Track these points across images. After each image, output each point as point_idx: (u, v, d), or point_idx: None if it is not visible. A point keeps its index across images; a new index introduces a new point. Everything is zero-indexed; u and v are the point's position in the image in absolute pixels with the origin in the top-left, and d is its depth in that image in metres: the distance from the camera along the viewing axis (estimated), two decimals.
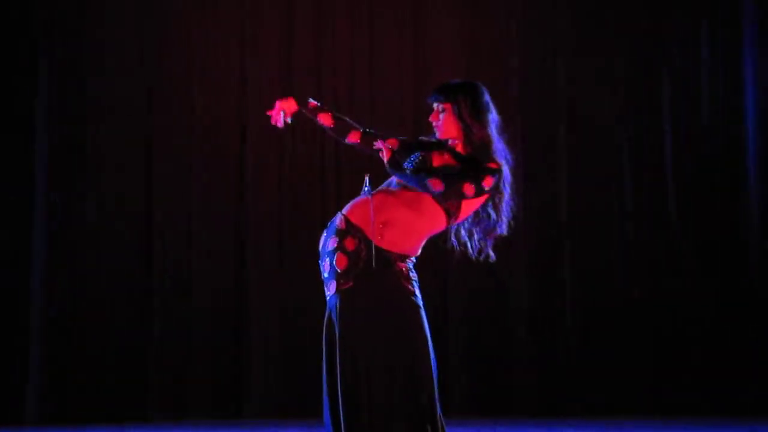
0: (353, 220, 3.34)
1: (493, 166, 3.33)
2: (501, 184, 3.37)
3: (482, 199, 3.37)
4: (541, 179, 5.61)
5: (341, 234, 3.32)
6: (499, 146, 3.37)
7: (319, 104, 3.50)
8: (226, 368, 5.49)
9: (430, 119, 3.44)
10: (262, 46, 5.58)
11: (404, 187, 3.36)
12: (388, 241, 3.32)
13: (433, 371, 3.25)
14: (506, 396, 5.61)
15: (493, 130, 3.38)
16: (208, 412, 5.43)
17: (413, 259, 3.37)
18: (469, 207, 3.38)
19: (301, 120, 3.51)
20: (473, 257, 3.47)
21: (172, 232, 5.48)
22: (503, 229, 3.44)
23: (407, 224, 3.35)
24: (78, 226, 5.41)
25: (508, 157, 3.40)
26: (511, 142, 3.41)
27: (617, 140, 5.69)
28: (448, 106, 3.39)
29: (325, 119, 3.48)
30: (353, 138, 3.47)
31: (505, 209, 3.43)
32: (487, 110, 3.38)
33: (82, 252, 5.39)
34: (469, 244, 3.47)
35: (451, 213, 3.35)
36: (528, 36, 5.71)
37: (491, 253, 3.46)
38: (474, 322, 5.61)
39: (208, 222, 5.51)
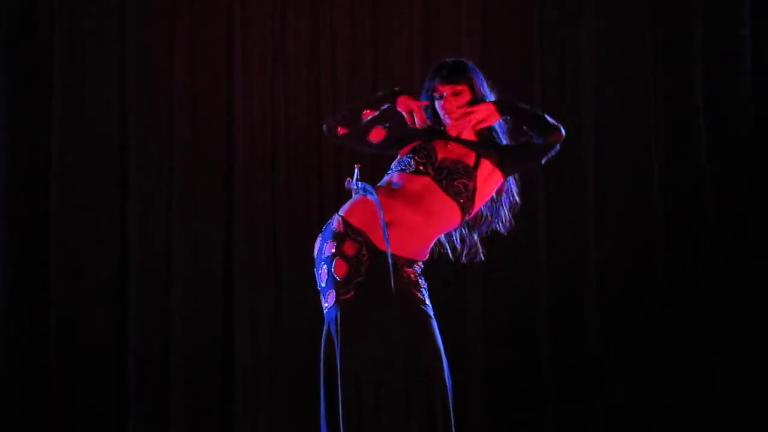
0: (353, 221, 3.06)
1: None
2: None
3: (497, 185, 3.20)
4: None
5: (339, 237, 3.04)
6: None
7: None
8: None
9: (443, 106, 3.18)
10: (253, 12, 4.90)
11: (408, 182, 3.11)
12: (392, 244, 3.00)
13: (449, 390, 2.98)
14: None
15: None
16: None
17: (421, 263, 3.09)
18: (482, 198, 3.16)
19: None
20: (463, 260, 3.30)
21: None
22: (505, 226, 3.30)
23: (413, 225, 3.07)
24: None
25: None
26: None
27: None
28: (464, 87, 3.17)
29: None
30: None
31: (507, 203, 3.29)
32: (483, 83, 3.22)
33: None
34: (460, 247, 3.29)
35: (466, 207, 3.11)
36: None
37: (481, 255, 3.29)
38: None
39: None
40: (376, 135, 3.27)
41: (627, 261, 5.02)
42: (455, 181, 3.11)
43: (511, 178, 3.27)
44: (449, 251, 3.28)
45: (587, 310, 4.96)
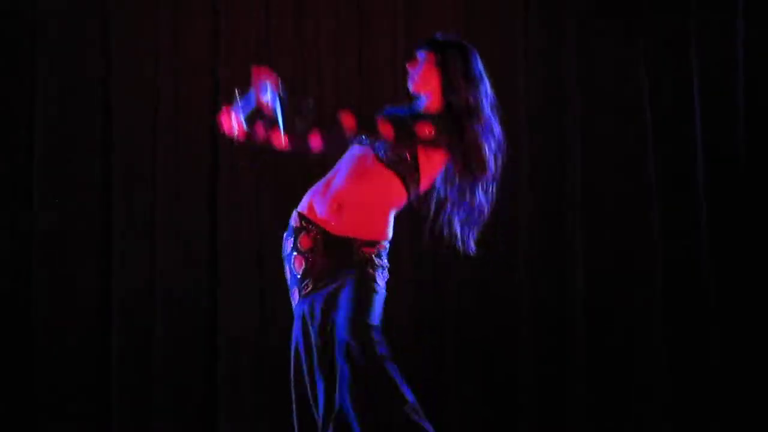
0: (307, 213, 3.10)
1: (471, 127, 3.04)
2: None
3: (441, 158, 3.07)
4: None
5: (296, 232, 3.10)
6: (490, 124, 3.08)
7: None
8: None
9: (408, 66, 3.17)
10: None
11: (350, 160, 3.09)
12: (346, 226, 3.04)
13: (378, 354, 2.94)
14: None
15: (486, 106, 3.07)
16: None
17: (384, 243, 3.09)
18: (428, 171, 3.07)
19: None
20: (459, 249, 3.22)
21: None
22: (484, 216, 3.18)
23: (362, 202, 3.06)
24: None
25: (501, 140, 3.13)
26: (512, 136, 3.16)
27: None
28: (431, 55, 3.13)
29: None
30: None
31: (490, 194, 3.16)
32: (479, 78, 3.09)
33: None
34: (452, 236, 3.21)
35: (407, 179, 3.05)
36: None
37: (472, 247, 3.20)
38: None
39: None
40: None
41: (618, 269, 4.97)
42: (390, 152, 3.05)
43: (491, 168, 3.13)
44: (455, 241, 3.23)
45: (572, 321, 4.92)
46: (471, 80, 3.09)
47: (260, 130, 3.07)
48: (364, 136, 3.08)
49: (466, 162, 3.07)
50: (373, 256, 3.06)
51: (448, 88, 3.07)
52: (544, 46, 4.94)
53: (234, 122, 3.05)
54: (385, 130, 2.98)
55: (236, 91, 3.06)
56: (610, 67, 4.96)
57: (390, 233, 3.14)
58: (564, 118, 4.92)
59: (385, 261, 3.11)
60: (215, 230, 4.78)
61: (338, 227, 3.06)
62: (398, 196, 3.11)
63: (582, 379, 4.89)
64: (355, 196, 3.06)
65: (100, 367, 4.74)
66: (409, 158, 3.05)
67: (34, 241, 4.71)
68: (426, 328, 4.89)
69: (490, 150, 3.08)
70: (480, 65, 3.14)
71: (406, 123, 3.01)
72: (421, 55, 3.15)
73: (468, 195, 3.15)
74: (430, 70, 3.13)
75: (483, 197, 3.16)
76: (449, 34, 3.29)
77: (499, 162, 3.12)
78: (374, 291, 3.03)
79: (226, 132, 3.09)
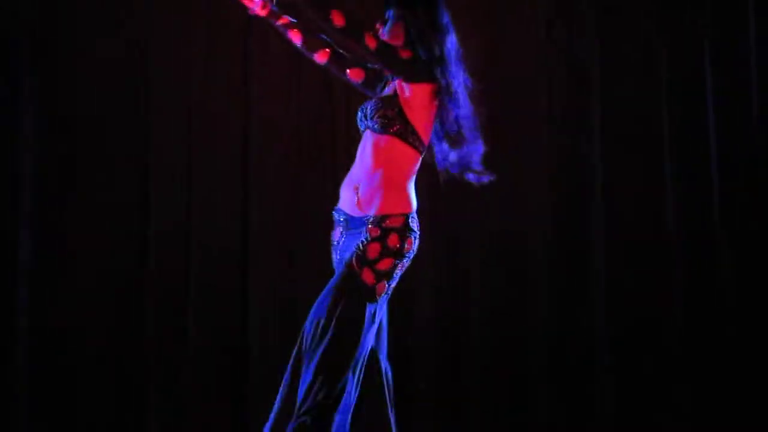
0: (339, 205, 3.31)
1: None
2: (451, 96, 3.15)
3: (423, 95, 3.14)
4: None
5: (333, 227, 3.34)
6: (458, 72, 3.16)
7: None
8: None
9: (377, 26, 3.23)
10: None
11: (361, 144, 3.25)
12: (358, 207, 3.20)
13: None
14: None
15: (452, 54, 3.15)
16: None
17: (401, 216, 3.14)
18: (419, 117, 3.16)
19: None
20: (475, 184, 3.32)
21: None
22: (478, 155, 3.25)
23: (373, 181, 3.17)
24: (67, 223, 4.93)
25: (468, 82, 3.21)
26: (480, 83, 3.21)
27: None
28: (399, 13, 3.20)
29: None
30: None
31: (466, 126, 3.22)
32: (445, 30, 3.16)
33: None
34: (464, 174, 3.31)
35: (404, 134, 3.15)
36: None
37: (485, 175, 3.28)
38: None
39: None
40: (355, 74, 3.38)
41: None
42: (376, 116, 3.18)
43: (464, 107, 3.22)
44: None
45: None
46: (437, 30, 3.18)
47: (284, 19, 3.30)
48: (360, 115, 3.26)
49: (441, 101, 3.19)
50: (378, 232, 3.13)
51: (414, 38, 3.17)
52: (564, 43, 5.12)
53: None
54: (337, 18, 3.06)
55: None
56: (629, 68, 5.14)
57: (406, 204, 3.20)
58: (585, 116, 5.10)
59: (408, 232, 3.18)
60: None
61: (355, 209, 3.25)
62: (410, 157, 3.20)
63: (605, 377, 5.01)
64: (369, 177, 3.20)
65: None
66: (395, 114, 3.16)
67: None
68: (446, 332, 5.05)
69: (462, 90, 3.21)
70: (446, 16, 3.22)
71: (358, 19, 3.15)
72: (389, 13, 3.26)
73: (453, 128, 3.24)
74: (398, 25, 3.21)
75: (468, 130, 3.25)
76: None
77: (471, 102, 3.23)
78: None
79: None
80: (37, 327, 4.85)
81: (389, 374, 3.21)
